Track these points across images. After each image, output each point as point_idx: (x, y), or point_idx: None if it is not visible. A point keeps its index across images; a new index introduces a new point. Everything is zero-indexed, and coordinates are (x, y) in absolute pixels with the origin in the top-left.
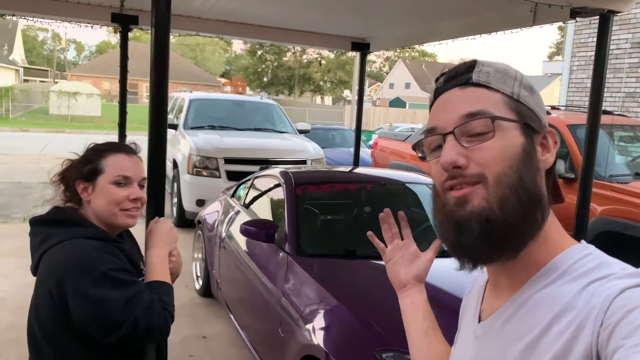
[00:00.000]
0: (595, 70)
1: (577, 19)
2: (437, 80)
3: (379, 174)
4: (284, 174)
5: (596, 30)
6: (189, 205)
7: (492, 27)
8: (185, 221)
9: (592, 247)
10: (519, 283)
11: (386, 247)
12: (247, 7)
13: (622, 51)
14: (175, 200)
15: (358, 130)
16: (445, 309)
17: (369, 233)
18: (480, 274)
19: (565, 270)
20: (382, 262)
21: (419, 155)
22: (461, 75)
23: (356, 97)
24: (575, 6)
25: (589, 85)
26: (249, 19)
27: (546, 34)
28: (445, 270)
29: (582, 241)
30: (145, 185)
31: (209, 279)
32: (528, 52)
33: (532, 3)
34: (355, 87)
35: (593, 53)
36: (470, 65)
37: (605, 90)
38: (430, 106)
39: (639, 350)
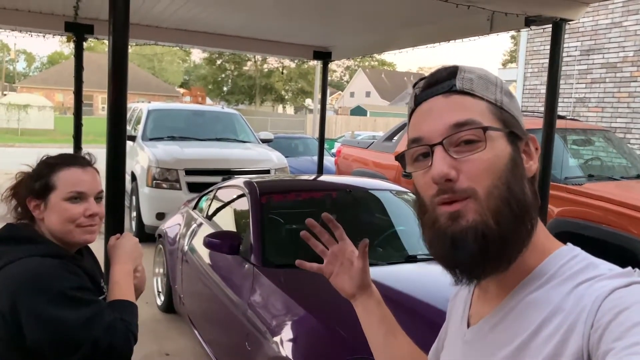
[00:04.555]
0: (549, 76)
1: (532, 27)
2: (415, 86)
3: (344, 181)
4: (248, 184)
5: (548, 38)
6: (148, 219)
7: (451, 35)
8: (145, 235)
9: (578, 249)
10: (508, 288)
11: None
12: (208, 16)
13: (572, 58)
14: (134, 214)
15: (321, 139)
16: (413, 314)
17: (310, 239)
18: None
19: (554, 274)
20: None
21: (403, 169)
22: (443, 82)
23: (318, 106)
24: (529, 15)
25: (543, 91)
26: (210, 27)
27: (500, 42)
28: (412, 276)
29: (569, 243)
30: (103, 198)
31: (171, 294)
32: (483, 60)
33: (489, 12)
34: (317, 96)
35: (546, 60)
36: (452, 72)
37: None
38: (410, 114)
39: (630, 352)
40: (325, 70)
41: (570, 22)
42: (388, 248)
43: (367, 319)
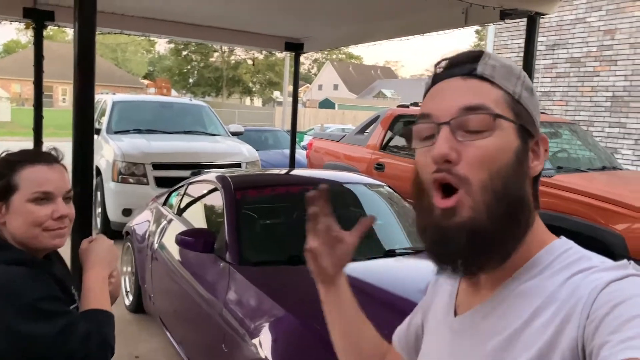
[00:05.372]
0: (524, 69)
1: (506, 20)
2: (437, 65)
3: (318, 175)
4: (222, 179)
5: (515, 32)
6: (114, 215)
7: (425, 28)
8: (111, 232)
9: (571, 242)
10: (500, 278)
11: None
12: (176, 4)
13: (537, 53)
14: (99, 210)
15: (293, 132)
16: (400, 312)
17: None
18: None
19: (547, 265)
20: None
21: (407, 143)
22: (465, 65)
23: (288, 99)
24: (506, 8)
25: None
26: (178, 16)
27: (465, 37)
28: (393, 270)
29: (562, 237)
30: (72, 197)
31: (140, 294)
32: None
33: (464, 5)
34: (287, 88)
35: (513, 54)
36: (477, 56)
37: None
38: (426, 91)
39: (626, 346)
40: (297, 62)
41: (544, 16)
42: (366, 242)
43: (339, 302)
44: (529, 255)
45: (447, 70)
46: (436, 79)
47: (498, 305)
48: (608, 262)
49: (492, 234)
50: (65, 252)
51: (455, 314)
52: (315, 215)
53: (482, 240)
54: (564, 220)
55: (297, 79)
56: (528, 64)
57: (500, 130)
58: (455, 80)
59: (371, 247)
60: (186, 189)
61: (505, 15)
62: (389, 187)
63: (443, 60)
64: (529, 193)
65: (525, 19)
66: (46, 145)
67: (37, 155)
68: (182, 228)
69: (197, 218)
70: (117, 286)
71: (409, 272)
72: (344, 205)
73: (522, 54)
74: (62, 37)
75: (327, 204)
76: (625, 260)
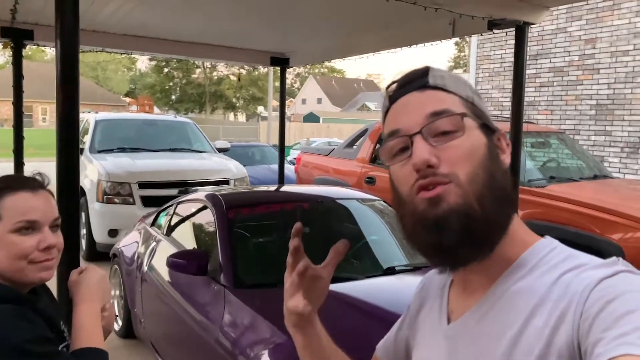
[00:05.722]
0: (514, 79)
1: (494, 30)
2: (388, 87)
3: (311, 191)
4: (212, 197)
5: (498, 43)
6: (100, 237)
7: (412, 39)
8: (97, 254)
9: (557, 242)
10: (490, 280)
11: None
12: (160, 21)
13: None
14: (83, 231)
15: (282, 147)
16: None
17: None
18: (432, 273)
19: (536, 264)
20: (333, 286)
21: (384, 164)
22: (416, 80)
23: (273, 113)
24: (494, 18)
25: (494, 95)
26: (162, 33)
27: (445, 49)
28: (395, 289)
29: (547, 236)
30: (59, 225)
31: (130, 318)
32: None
33: (451, 16)
34: (271, 102)
35: (496, 65)
36: (424, 71)
37: (509, 99)
38: (385, 113)
39: (620, 342)
40: (283, 77)
41: (532, 26)
42: (365, 260)
43: (318, 338)
44: (516, 255)
45: (400, 89)
46: (392, 98)
47: (492, 307)
48: (596, 260)
49: (484, 220)
50: (51, 282)
51: (449, 322)
52: (297, 249)
53: (476, 226)
54: (560, 231)
55: (283, 93)
56: (518, 74)
57: (469, 129)
58: (413, 94)
59: (370, 265)
60: (175, 209)
61: (493, 25)
62: (383, 201)
63: (393, 82)
64: (510, 182)
65: (511, 29)
66: (29, 169)
67: (19, 182)
68: (173, 249)
69: (187, 238)
70: (110, 320)
71: (411, 290)
72: (339, 221)
73: (505, 65)
74: (40, 57)
75: (302, 242)
76: (614, 257)
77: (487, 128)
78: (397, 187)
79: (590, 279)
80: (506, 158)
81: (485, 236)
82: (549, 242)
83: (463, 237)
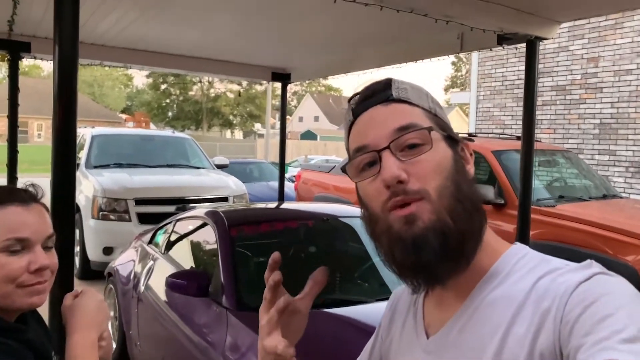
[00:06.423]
0: (525, 95)
1: (504, 45)
2: (350, 100)
3: (314, 209)
4: (213, 214)
5: (499, 62)
6: (94, 255)
7: (419, 54)
8: (91, 272)
9: (527, 248)
10: (466, 291)
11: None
12: (161, 34)
13: (521, 82)
14: (77, 249)
15: (282, 163)
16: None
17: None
18: (401, 290)
19: (510, 271)
20: (341, 310)
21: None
22: (380, 93)
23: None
24: (505, 32)
25: (496, 113)
26: (162, 47)
27: (442, 68)
28: None
29: (517, 242)
30: (53, 244)
31: (125, 341)
32: (425, 86)
33: (460, 30)
34: (269, 120)
35: (497, 83)
36: (387, 83)
37: (511, 118)
38: (350, 127)
39: (601, 347)
40: (284, 92)
41: (544, 41)
42: (373, 282)
43: None
44: (488, 264)
45: (363, 102)
46: (356, 112)
47: (470, 317)
48: (571, 263)
49: (457, 233)
50: (42, 306)
51: (427, 336)
52: (278, 284)
53: (453, 241)
54: (571, 252)
55: (284, 109)
56: (530, 90)
57: (436, 142)
58: (377, 108)
59: (378, 288)
60: (174, 226)
61: (503, 40)
62: None
63: (356, 95)
64: (477, 192)
65: (521, 44)
66: (22, 181)
67: (10, 193)
68: (171, 269)
69: (187, 257)
70: (108, 351)
71: None
72: (344, 240)
73: (506, 83)
74: (37, 73)
75: (281, 274)
76: (588, 260)
77: (452, 139)
78: (367, 204)
79: (567, 283)
80: (471, 168)
81: (462, 249)
82: (521, 249)
83: (441, 253)
